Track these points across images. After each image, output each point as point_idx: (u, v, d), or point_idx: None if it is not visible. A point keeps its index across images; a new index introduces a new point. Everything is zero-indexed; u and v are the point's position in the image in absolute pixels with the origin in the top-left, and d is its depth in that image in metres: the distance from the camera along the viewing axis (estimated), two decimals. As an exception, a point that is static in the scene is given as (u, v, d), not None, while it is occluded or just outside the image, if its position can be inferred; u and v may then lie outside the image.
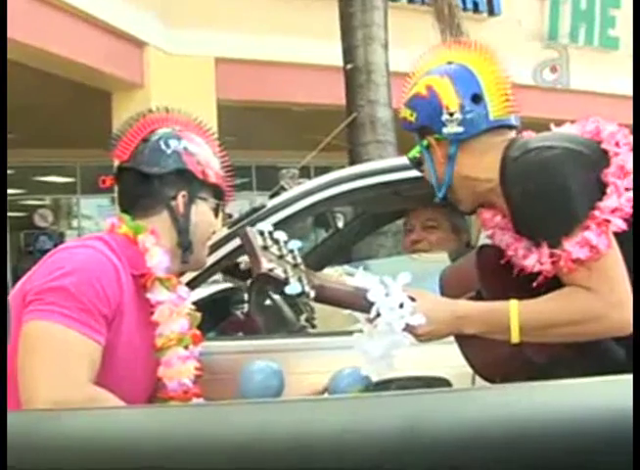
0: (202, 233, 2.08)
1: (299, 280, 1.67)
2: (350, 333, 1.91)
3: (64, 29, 8.40)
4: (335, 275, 2.87)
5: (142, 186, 2.05)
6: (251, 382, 2.01)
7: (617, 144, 1.82)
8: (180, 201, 2.04)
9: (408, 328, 1.75)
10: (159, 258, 1.97)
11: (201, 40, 9.99)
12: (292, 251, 1.73)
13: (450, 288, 1.91)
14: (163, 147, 2.05)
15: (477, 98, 1.87)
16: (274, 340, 2.48)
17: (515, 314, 1.74)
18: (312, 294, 1.68)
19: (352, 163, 6.54)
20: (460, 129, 1.86)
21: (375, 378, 1.95)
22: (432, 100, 1.88)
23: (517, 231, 1.85)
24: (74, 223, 14.69)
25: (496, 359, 1.83)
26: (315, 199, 2.63)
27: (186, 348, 1.99)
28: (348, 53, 7.39)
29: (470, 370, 1.94)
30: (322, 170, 3.20)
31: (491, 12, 12.42)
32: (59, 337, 1.79)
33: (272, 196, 2.76)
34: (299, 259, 1.72)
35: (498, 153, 1.85)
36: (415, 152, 2.00)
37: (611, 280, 1.72)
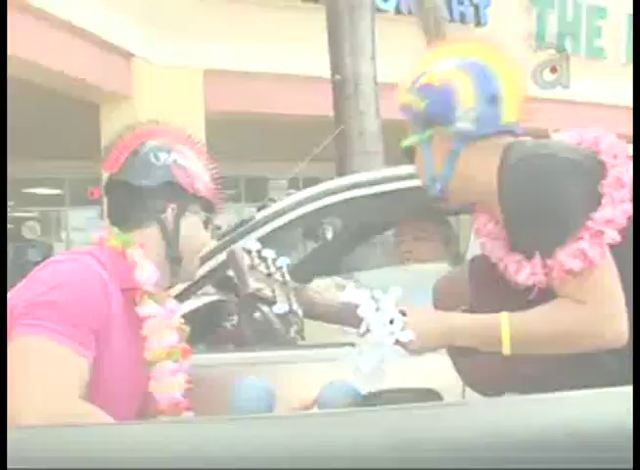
0: (191, 246, 2.07)
1: (287, 298, 1.66)
2: (339, 345, 1.90)
3: (51, 41, 8.39)
4: (323, 287, 2.86)
5: (131, 199, 2.04)
6: (241, 398, 1.99)
7: (614, 156, 1.80)
8: (170, 214, 2.03)
9: (399, 342, 1.73)
10: (148, 271, 1.96)
11: (189, 51, 9.99)
12: (280, 268, 1.72)
13: (443, 300, 1.90)
14: (153, 160, 2.04)
15: (493, 99, 1.83)
16: (263, 352, 2.48)
17: (506, 326, 1.72)
18: (300, 312, 1.67)
19: (341, 174, 6.54)
20: (472, 127, 1.82)
21: (363, 390, 1.95)
22: (448, 92, 1.83)
23: (510, 241, 1.83)
24: (63, 235, 14.64)
25: (488, 372, 1.81)
26: (304, 210, 2.62)
27: (176, 361, 1.98)
28: (336, 64, 7.41)
29: (460, 382, 1.94)
30: (311, 181, 3.19)
31: (478, 22, 12.48)
32: (47, 352, 1.77)
33: (261, 208, 2.75)
34: (288, 277, 1.71)
35: (497, 157, 1.82)
36: (411, 141, 1.92)
37: (604, 292, 1.69)
